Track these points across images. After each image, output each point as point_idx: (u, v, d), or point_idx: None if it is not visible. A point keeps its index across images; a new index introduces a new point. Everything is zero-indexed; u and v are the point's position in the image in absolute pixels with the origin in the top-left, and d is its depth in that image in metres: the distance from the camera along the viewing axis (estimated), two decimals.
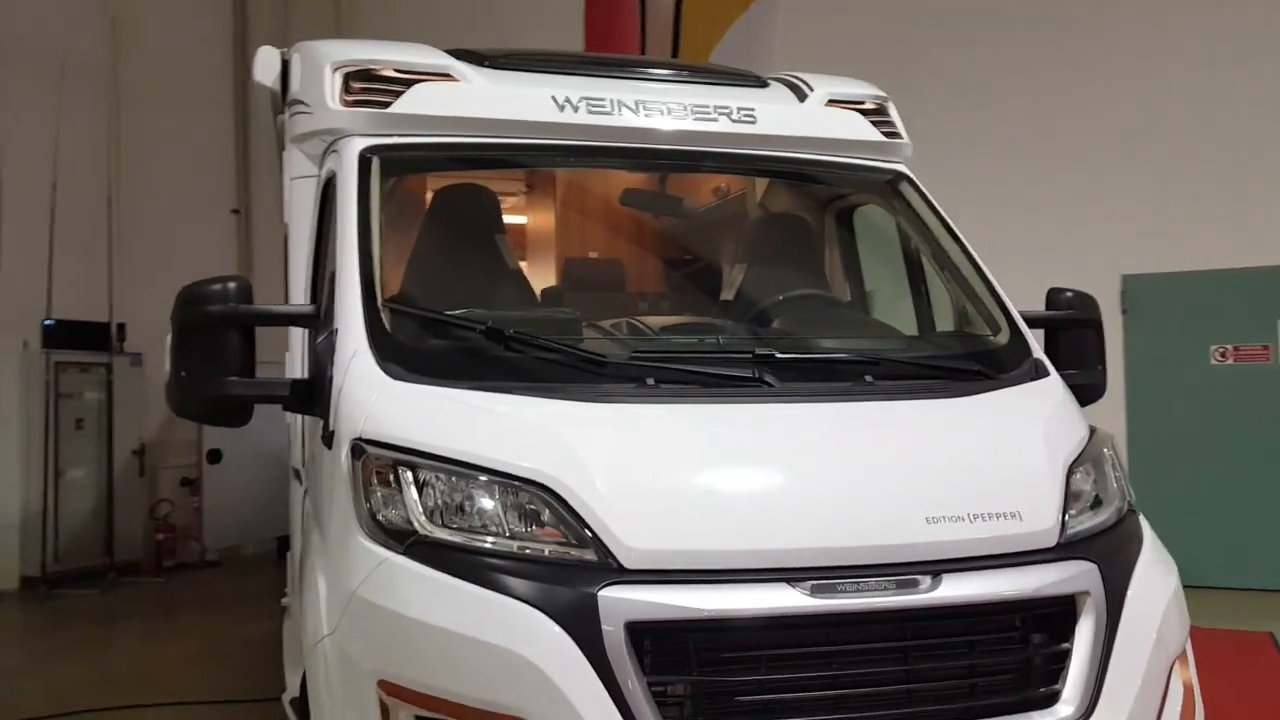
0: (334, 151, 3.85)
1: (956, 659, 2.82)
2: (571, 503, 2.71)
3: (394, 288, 3.58)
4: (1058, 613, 2.90)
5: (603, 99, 3.94)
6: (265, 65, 4.72)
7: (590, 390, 3.03)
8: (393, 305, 3.33)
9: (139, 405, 10.88)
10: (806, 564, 2.72)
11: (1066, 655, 2.86)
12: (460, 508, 2.78)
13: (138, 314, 10.62)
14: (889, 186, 4.32)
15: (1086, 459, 3.20)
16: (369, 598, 2.74)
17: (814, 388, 3.24)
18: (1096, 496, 3.17)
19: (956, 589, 2.78)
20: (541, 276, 5.14)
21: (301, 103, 4.13)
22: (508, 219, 4.73)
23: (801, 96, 4.32)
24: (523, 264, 4.72)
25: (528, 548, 2.72)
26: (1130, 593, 2.95)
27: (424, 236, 4.04)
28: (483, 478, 2.79)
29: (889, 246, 4.48)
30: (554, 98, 3.89)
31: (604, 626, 2.55)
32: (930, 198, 4.24)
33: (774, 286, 4.19)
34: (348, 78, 3.83)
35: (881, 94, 4.50)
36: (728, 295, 4.36)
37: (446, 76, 3.89)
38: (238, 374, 3.19)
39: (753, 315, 4.04)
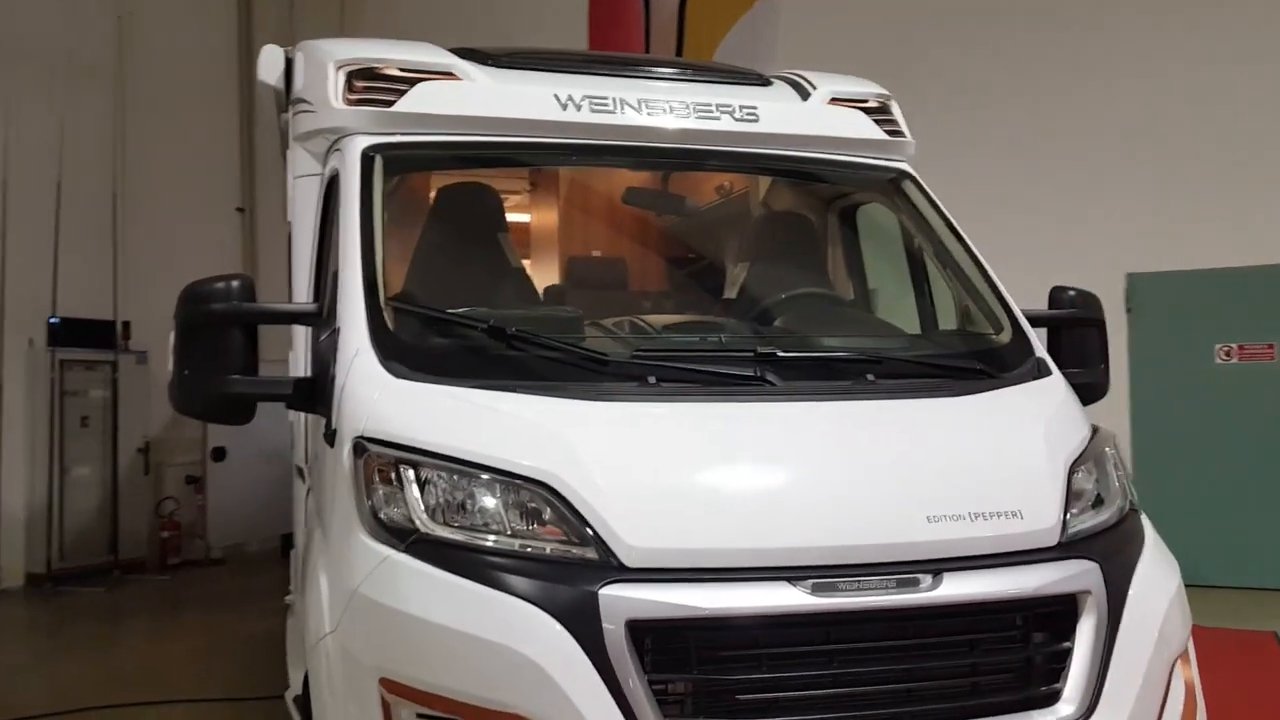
0: (337, 150, 3.86)
1: (957, 658, 2.82)
2: (572, 501, 2.72)
3: (396, 286, 3.59)
4: (1059, 612, 2.89)
5: (606, 97, 3.94)
6: (269, 64, 4.73)
7: (592, 389, 3.03)
8: (395, 304, 3.33)
9: (144, 403, 10.90)
10: (807, 563, 2.72)
11: (1067, 654, 2.86)
12: (462, 506, 2.79)
13: (143, 312, 10.65)
14: (892, 185, 4.31)
15: (1088, 458, 3.20)
16: (370, 595, 2.74)
17: (816, 386, 3.24)
18: (1098, 495, 3.16)
19: (957, 588, 2.78)
20: (544, 275, 5.14)
21: (305, 101, 4.14)
22: (510, 218, 4.73)
23: (804, 95, 4.32)
24: (525, 263, 4.73)
25: (529, 546, 2.73)
26: (1132, 592, 2.95)
27: (427, 235, 4.05)
28: (484, 476, 2.79)
29: (892, 245, 4.47)
30: (557, 96, 3.90)
31: (605, 625, 2.56)
32: (933, 196, 4.23)
33: (776, 285, 4.19)
34: (351, 76, 3.84)
35: (884, 92, 4.50)
36: (730, 294, 4.36)
37: (450, 75, 3.89)
38: (240, 372, 3.20)
39: (755, 314, 4.04)
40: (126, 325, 10.88)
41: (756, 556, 2.72)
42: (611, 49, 8.28)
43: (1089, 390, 3.79)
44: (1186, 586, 3.22)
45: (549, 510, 2.74)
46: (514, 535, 2.74)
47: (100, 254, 10.71)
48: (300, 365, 4.28)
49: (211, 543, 11.37)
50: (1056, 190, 9.25)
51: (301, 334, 4.30)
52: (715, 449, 2.94)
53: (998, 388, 3.41)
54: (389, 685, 2.67)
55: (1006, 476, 3.03)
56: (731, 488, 2.87)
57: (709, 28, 8.42)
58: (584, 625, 2.56)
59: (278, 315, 3.72)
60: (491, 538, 2.74)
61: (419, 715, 2.65)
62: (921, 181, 4.29)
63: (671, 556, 2.68)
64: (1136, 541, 3.15)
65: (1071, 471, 3.10)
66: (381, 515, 2.82)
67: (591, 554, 2.68)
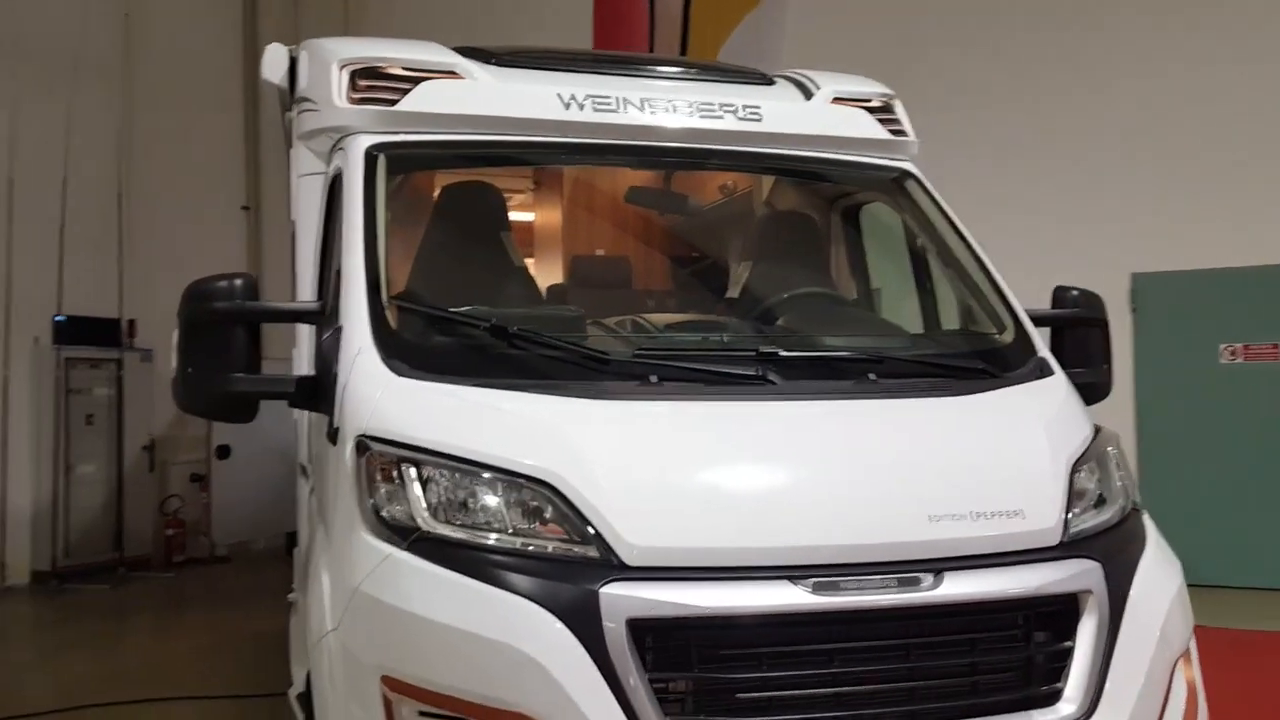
0: (340, 149, 3.86)
1: (958, 657, 2.82)
2: (574, 500, 2.72)
3: (399, 285, 3.59)
4: (1060, 611, 2.89)
5: (608, 97, 3.94)
6: (273, 63, 4.74)
7: (594, 388, 3.03)
8: (398, 302, 3.34)
9: (149, 401, 10.93)
10: (808, 561, 2.72)
11: (1068, 654, 2.85)
12: (463, 504, 2.79)
13: (148, 310, 10.67)
14: (895, 184, 4.31)
15: (1090, 457, 3.19)
16: (372, 593, 2.75)
17: (817, 386, 3.24)
18: (1100, 495, 3.16)
19: (958, 587, 2.78)
20: (547, 274, 5.15)
21: (308, 100, 4.15)
22: (513, 217, 4.73)
23: (807, 94, 4.32)
24: (528, 261, 4.73)
25: (531, 544, 2.73)
26: (1133, 591, 2.95)
27: (429, 234, 4.06)
28: (486, 474, 2.80)
29: (895, 244, 4.47)
30: (560, 95, 3.90)
31: (606, 623, 2.56)
32: (936, 196, 4.22)
33: (779, 284, 4.18)
34: (354, 75, 3.84)
35: (888, 91, 4.49)
36: (733, 293, 4.36)
37: (453, 74, 3.89)
38: (243, 370, 3.20)
39: (757, 313, 4.04)
40: (132, 323, 10.91)
41: (757, 555, 2.72)
42: (616, 48, 8.29)
43: (1092, 390, 3.79)
44: (1190, 586, 3.21)
45: (550, 509, 2.74)
46: (515, 534, 2.75)
47: (105, 252, 10.74)
48: (304, 363, 4.29)
49: (216, 540, 11.40)
50: (1061, 190, 9.25)
51: (305, 332, 4.31)
52: (716, 448, 2.95)
53: (1000, 387, 3.40)
54: (391, 683, 2.67)
55: (1008, 476, 3.03)
56: (733, 487, 2.87)
57: (713, 27, 8.43)
58: (585, 624, 2.56)
59: (280, 314, 3.73)
60: (493, 536, 2.74)
61: (420, 713, 2.65)
62: (925, 181, 4.28)
63: (672, 555, 2.68)
64: (1138, 541, 3.15)
65: (1073, 471, 3.10)
66: (383, 513, 2.83)
67: (593, 552, 2.68)
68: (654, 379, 3.10)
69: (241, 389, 3.21)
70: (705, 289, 4.71)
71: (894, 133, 4.36)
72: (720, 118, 4.03)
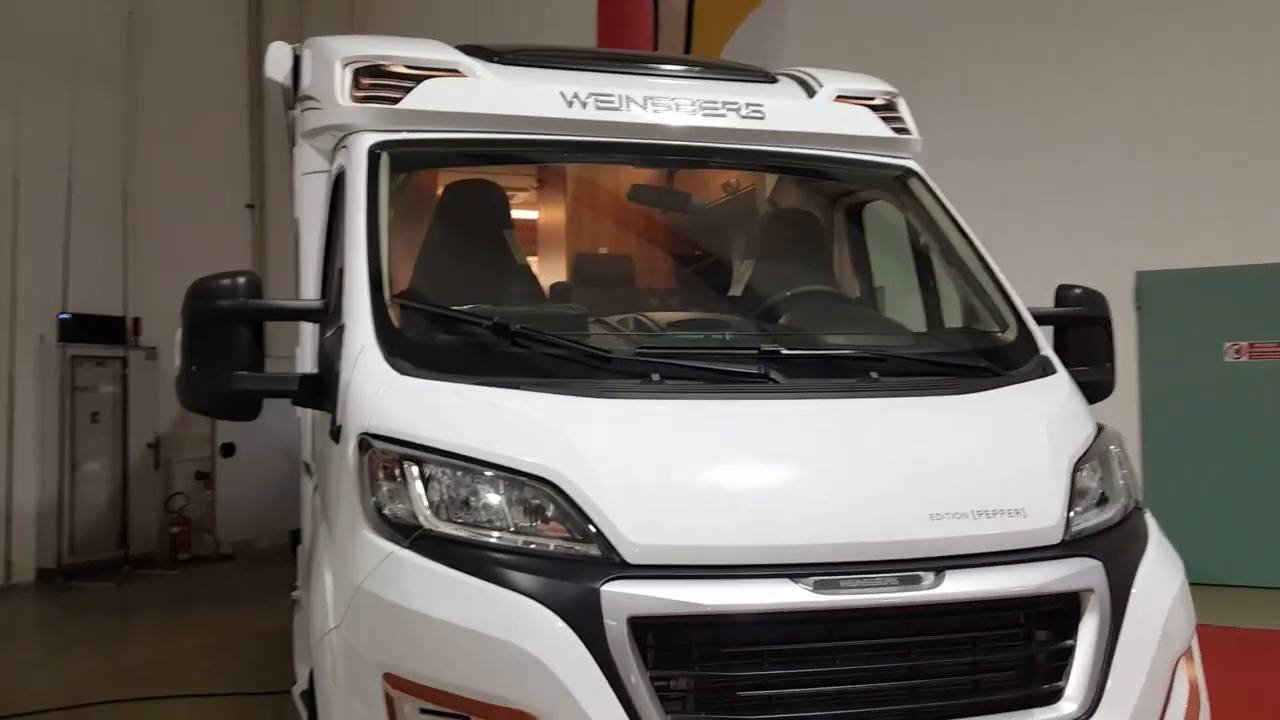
0: (344, 147, 3.87)
1: (959, 655, 2.82)
2: (575, 498, 2.72)
3: (402, 283, 3.60)
4: (1062, 610, 2.89)
5: (611, 95, 3.94)
6: (277, 61, 4.74)
7: (596, 386, 3.03)
8: (400, 300, 3.35)
9: (154, 399, 10.96)
10: (809, 560, 2.72)
11: (1070, 652, 2.85)
12: (465, 502, 2.79)
13: (153, 308, 10.70)
14: (898, 182, 4.30)
15: (1092, 456, 3.19)
16: (374, 591, 2.75)
17: (819, 384, 3.23)
18: (1102, 494, 3.16)
19: (959, 586, 2.78)
20: (549, 272, 5.15)
21: (312, 98, 4.15)
22: (516, 215, 4.74)
23: (810, 92, 4.31)
24: (531, 260, 4.73)
25: (532, 543, 2.73)
26: (1135, 590, 2.95)
27: (432, 232, 4.06)
28: (488, 473, 2.80)
29: (898, 242, 4.47)
30: (562, 93, 3.90)
31: (607, 621, 2.56)
32: (939, 194, 4.22)
33: (782, 282, 4.18)
34: (357, 73, 3.84)
35: (891, 89, 4.49)
36: (735, 291, 4.36)
37: (455, 72, 3.89)
38: (247, 368, 3.21)
39: (760, 311, 4.04)
40: (137, 321, 10.93)
41: (758, 554, 2.72)
42: (620, 47, 8.29)
43: (1095, 388, 3.79)
44: (1194, 585, 3.21)
45: (552, 507, 2.75)
46: (517, 532, 2.75)
47: (110, 250, 10.77)
48: (308, 361, 4.29)
49: (221, 538, 11.42)
50: (1065, 189, 9.24)
51: (309, 330, 4.31)
52: (718, 446, 2.95)
53: (1002, 386, 3.40)
54: (393, 680, 2.67)
55: (1010, 474, 3.03)
56: (734, 485, 2.87)
57: (717, 26, 8.42)
58: (586, 621, 2.56)
59: (284, 312, 3.73)
60: (495, 534, 2.74)
61: (422, 710, 2.65)
62: (928, 179, 4.28)
63: (674, 553, 2.68)
64: (1140, 540, 3.14)
65: (1075, 470, 3.10)
66: (386, 511, 2.83)
67: (594, 550, 2.68)
68: (656, 377, 3.10)
69: (244, 387, 3.21)
70: (708, 287, 4.70)
71: (897, 131, 4.36)
72: (723, 116, 4.03)
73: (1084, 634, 2.87)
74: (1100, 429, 3.35)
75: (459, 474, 2.81)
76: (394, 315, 3.25)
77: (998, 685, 2.84)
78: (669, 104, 3.99)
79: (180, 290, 3.30)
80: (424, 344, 3.22)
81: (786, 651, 2.68)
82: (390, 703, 2.68)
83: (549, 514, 2.75)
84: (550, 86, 3.93)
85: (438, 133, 3.83)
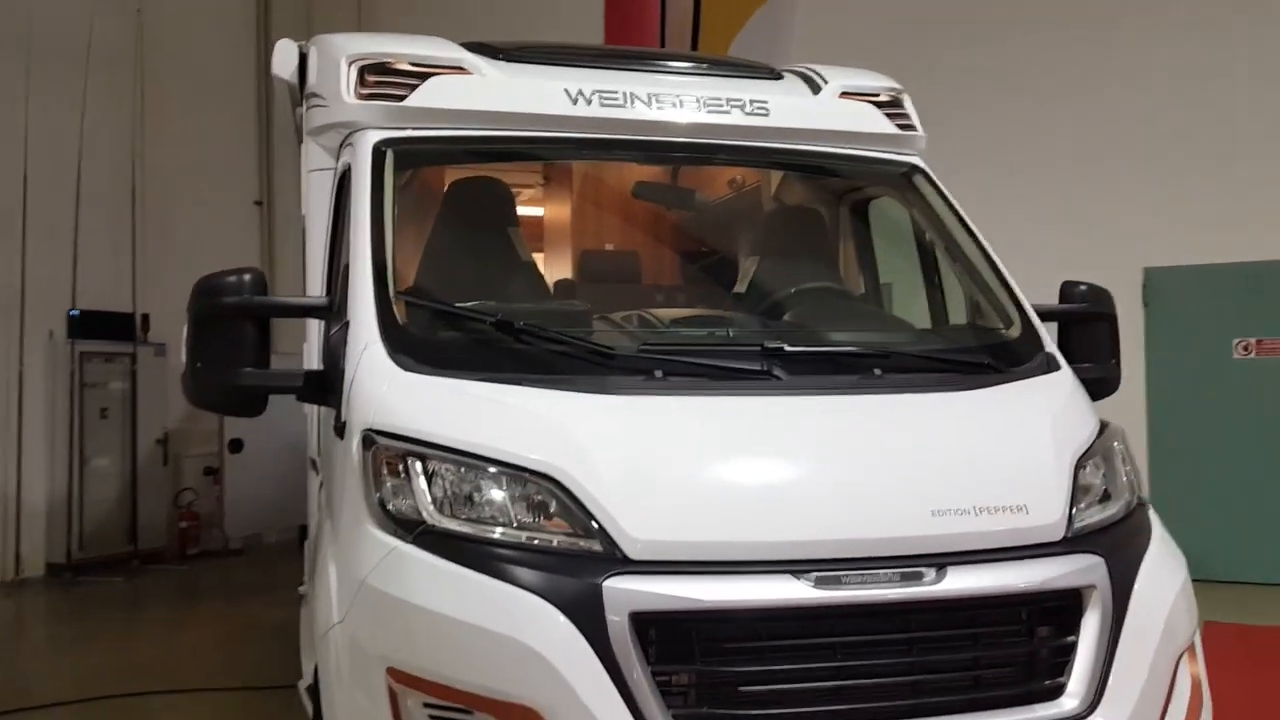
0: (349, 145, 3.88)
1: (961, 651, 2.83)
2: (577, 494, 2.73)
3: (407, 280, 3.62)
4: (1064, 606, 2.90)
5: (615, 92, 3.94)
6: (283, 58, 4.75)
7: (599, 382, 3.04)
8: (405, 297, 3.36)
9: (162, 395, 10.98)
10: (811, 556, 2.73)
11: (1072, 648, 2.86)
12: (469, 498, 2.81)
13: (161, 304, 10.72)
14: (903, 179, 4.30)
15: (1095, 453, 3.19)
16: (378, 586, 2.77)
17: (822, 381, 3.24)
18: (1105, 490, 3.16)
19: (961, 582, 2.79)
20: (554, 269, 5.16)
21: (318, 96, 4.17)
22: (520, 211, 4.75)
23: (815, 89, 4.31)
24: (536, 256, 4.74)
25: (535, 538, 2.74)
26: (1137, 587, 2.95)
27: (437, 229, 4.08)
28: (491, 469, 2.82)
29: (903, 239, 4.47)
30: (567, 91, 3.90)
31: (609, 617, 2.58)
32: (944, 190, 4.22)
33: (786, 279, 4.18)
34: (363, 71, 3.85)
35: (896, 86, 4.48)
36: (740, 288, 4.36)
37: (460, 70, 3.90)
38: (252, 365, 3.23)
39: (764, 308, 4.04)
40: (145, 318, 10.96)
41: (760, 550, 2.73)
42: (627, 42, 8.30)
43: (1100, 385, 3.79)
44: (1201, 582, 3.21)
45: (555, 503, 2.76)
46: (520, 528, 2.76)
47: (120, 247, 10.79)
48: (314, 358, 4.31)
49: (229, 533, 11.45)
50: (1074, 185, 9.22)
51: (315, 327, 4.33)
52: (720, 443, 2.95)
53: (1005, 382, 3.40)
54: (396, 675, 2.69)
55: (1012, 471, 3.03)
56: (736, 481, 2.88)
57: (724, 21, 8.42)
58: (588, 617, 2.57)
59: (289, 308, 3.75)
60: (498, 530, 2.76)
61: (425, 705, 2.67)
62: (932, 175, 4.28)
63: (675, 549, 2.70)
64: (1143, 536, 3.14)
65: (1078, 466, 3.10)
66: (389, 507, 2.85)
67: (596, 546, 2.70)
68: (659, 374, 3.11)
69: (250, 383, 3.23)
70: (712, 284, 4.71)
71: (902, 127, 4.35)
72: (727, 113, 4.03)
73: (1086, 630, 2.88)
74: (1104, 425, 3.35)
75: (462, 470, 2.83)
76: (398, 312, 3.26)
77: (999, 681, 2.84)
78: (673, 101, 3.99)
79: (189, 287, 3.32)
80: (428, 340, 3.24)
81: (788, 647, 2.70)
82: (393, 697, 2.70)
83: (552, 510, 2.77)
84: (555, 84, 3.93)
85: (443, 130, 3.84)
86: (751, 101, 4.07)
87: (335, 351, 3.29)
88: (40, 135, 10.10)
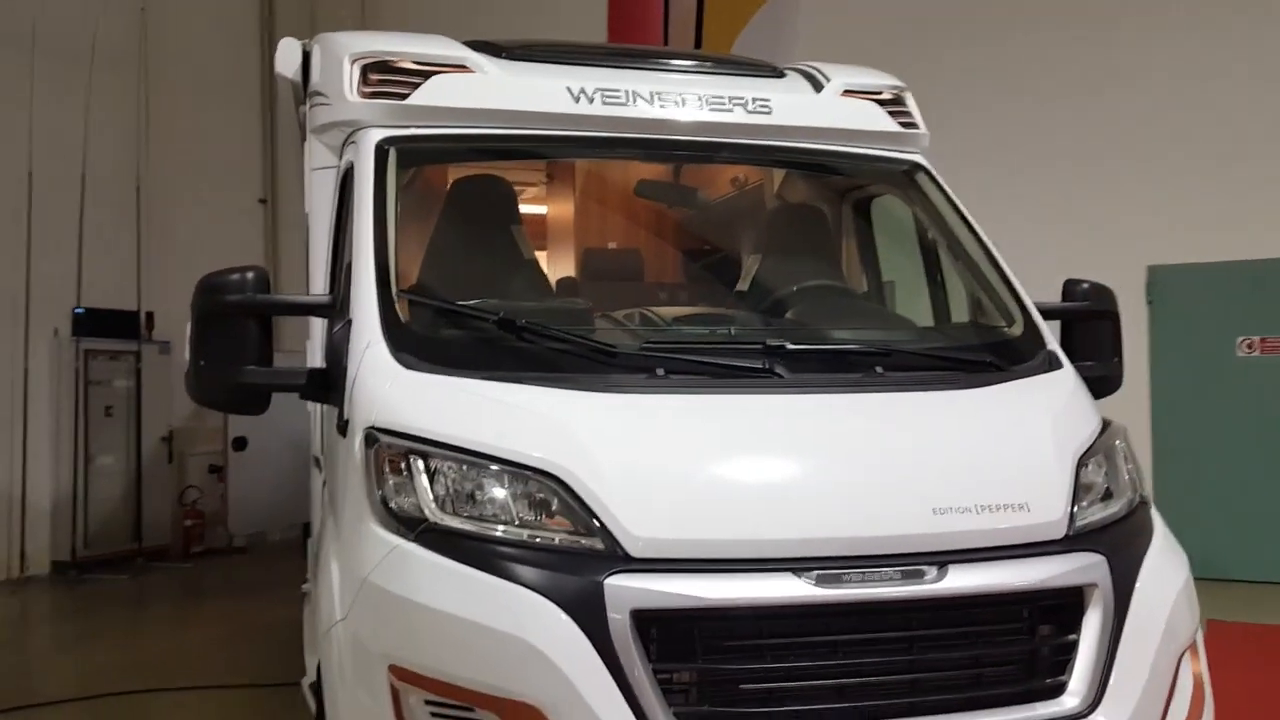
0: (352, 143, 3.89)
1: (962, 649, 2.82)
2: (579, 492, 2.74)
3: (409, 278, 3.62)
4: (1065, 604, 2.89)
5: (618, 90, 3.95)
6: (286, 57, 4.76)
7: (600, 381, 3.05)
8: (407, 296, 3.37)
9: (167, 392, 11.01)
10: (812, 554, 2.73)
11: (1073, 647, 2.86)
12: (470, 496, 2.81)
13: (166, 302, 10.75)
14: (905, 177, 4.30)
15: (1097, 451, 3.19)
16: (380, 584, 2.77)
17: (824, 379, 3.24)
18: (1107, 489, 3.16)
19: (962, 580, 2.79)
20: (556, 267, 5.16)
21: (321, 94, 4.17)
22: (523, 210, 4.75)
23: (818, 87, 4.31)
24: (539, 254, 4.75)
25: (537, 536, 2.75)
26: (1139, 585, 2.95)
27: (440, 227, 4.08)
28: (493, 467, 2.82)
29: (906, 237, 4.47)
30: (569, 89, 3.91)
31: (610, 614, 2.58)
32: (947, 189, 4.21)
33: (788, 277, 4.18)
34: (365, 69, 3.86)
35: (899, 84, 4.48)
36: (742, 286, 4.36)
37: (463, 68, 3.90)
38: (255, 363, 3.23)
39: (766, 306, 4.04)
40: (150, 316, 10.98)
41: (761, 548, 2.73)
42: (630, 40, 8.30)
43: (1103, 383, 3.78)
44: (1206, 580, 3.21)
45: (556, 501, 2.77)
46: (522, 525, 2.77)
47: (124, 245, 10.81)
48: (317, 356, 4.32)
49: (233, 531, 11.48)
50: (1077, 183, 9.20)
51: (319, 325, 4.33)
52: (721, 441, 2.96)
53: (1007, 380, 3.40)
54: (398, 672, 2.70)
55: (1013, 469, 3.03)
56: (737, 479, 2.88)
57: (728, 19, 8.43)
58: (589, 615, 2.58)
59: (292, 306, 3.75)
60: (500, 528, 2.77)
61: (427, 702, 2.67)
62: (935, 174, 4.27)
63: (676, 547, 2.70)
64: (1145, 535, 3.14)
65: (1080, 464, 3.10)
66: (392, 505, 2.85)
67: (598, 544, 2.70)
68: (661, 372, 3.12)
69: (252, 381, 3.23)
70: (715, 282, 4.71)
71: (904, 125, 4.35)
72: (730, 111, 4.03)
73: (1087, 629, 2.87)
74: (1106, 424, 3.35)
75: (464, 468, 2.83)
76: (401, 310, 3.27)
77: (1000, 680, 2.84)
78: (676, 99, 3.99)
79: (193, 285, 3.32)
80: (430, 339, 3.25)
81: (789, 645, 2.70)
82: (395, 694, 2.70)
83: (553, 508, 2.77)
84: (557, 82, 3.94)
85: (445, 128, 3.84)
86: (754, 99, 4.07)
87: (338, 349, 3.30)
88: (45, 133, 10.12)
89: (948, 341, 3.86)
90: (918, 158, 4.34)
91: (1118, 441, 3.30)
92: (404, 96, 3.81)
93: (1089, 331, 3.90)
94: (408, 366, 3.07)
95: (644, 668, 2.58)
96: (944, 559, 2.80)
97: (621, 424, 2.94)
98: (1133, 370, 4.05)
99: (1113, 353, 3.94)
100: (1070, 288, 3.95)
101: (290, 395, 3.45)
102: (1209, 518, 8.27)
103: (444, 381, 3.04)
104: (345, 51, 3.92)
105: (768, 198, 5.01)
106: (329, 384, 3.35)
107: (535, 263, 4.28)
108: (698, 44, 8.38)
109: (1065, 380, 3.51)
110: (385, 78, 3.84)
